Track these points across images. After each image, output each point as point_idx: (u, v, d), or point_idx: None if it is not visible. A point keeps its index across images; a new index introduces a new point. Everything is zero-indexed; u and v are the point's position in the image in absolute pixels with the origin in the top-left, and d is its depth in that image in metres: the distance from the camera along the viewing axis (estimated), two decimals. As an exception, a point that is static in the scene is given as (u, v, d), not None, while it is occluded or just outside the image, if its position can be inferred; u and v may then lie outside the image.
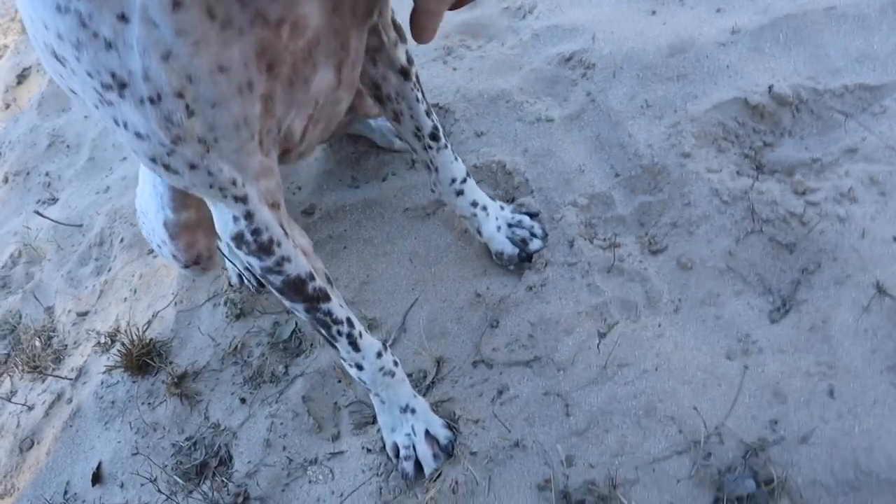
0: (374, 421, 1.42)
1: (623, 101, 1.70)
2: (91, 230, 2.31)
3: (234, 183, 0.94)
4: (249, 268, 1.10)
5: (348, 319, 1.21)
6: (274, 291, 1.13)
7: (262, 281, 1.14)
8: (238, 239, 1.02)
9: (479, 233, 1.51)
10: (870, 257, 1.30)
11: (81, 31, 0.75)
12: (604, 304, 1.41)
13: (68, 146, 2.84)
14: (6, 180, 2.87)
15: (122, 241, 2.17)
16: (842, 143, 1.49)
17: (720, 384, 1.25)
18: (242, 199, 0.97)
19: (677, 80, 1.68)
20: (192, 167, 0.89)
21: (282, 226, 1.05)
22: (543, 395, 1.33)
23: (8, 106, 3.30)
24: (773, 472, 1.12)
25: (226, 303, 1.78)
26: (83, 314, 2.07)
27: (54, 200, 2.62)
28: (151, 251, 2.08)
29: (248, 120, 0.87)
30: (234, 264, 1.78)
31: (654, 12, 1.91)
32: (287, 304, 1.16)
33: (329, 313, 1.17)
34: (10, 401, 1.98)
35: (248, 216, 1.00)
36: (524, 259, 1.52)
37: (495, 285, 1.52)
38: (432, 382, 1.44)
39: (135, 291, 2.01)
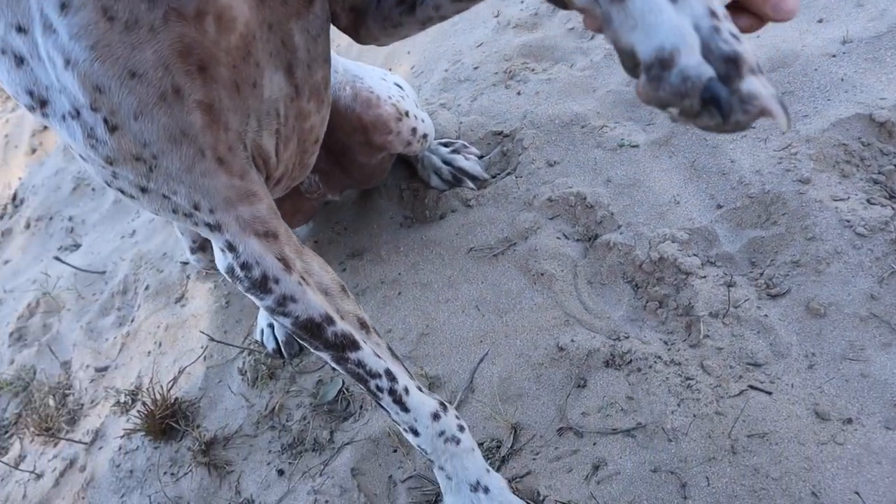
0: (439, 499, 1.18)
1: (718, 123, 1.47)
2: (114, 277, 2.12)
3: (196, 207, 0.83)
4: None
5: (388, 372, 1.00)
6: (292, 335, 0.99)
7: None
8: (230, 273, 0.91)
9: None
10: None
11: None
12: (722, 360, 1.16)
13: (93, 189, 2.67)
14: (28, 226, 2.71)
15: (147, 288, 1.97)
16: None
17: (880, 461, 0.99)
18: (217, 228, 0.86)
19: (782, 97, 1.45)
20: (143, 190, 0.80)
21: (283, 258, 0.91)
22: (652, 473, 1.08)
23: (34, 150, 3.16)
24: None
25: (243, 369, 1.58)
26: (102, 370, 1.86)
27: (77, 246, 2.44)
28: (179, 299, 1.88)
29: (186, 132, 0.76)
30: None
31: (741, 28, 1.69)
32: (312, 350, 0.99)
33: (361, 364, 0.98)
34: (17, 468, 1.76)
35: (231, 248, 0.88)
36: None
37: (581, 336, 1.28)
38: (508, 454, 1.20)
39: (160, 345, 1.80)
